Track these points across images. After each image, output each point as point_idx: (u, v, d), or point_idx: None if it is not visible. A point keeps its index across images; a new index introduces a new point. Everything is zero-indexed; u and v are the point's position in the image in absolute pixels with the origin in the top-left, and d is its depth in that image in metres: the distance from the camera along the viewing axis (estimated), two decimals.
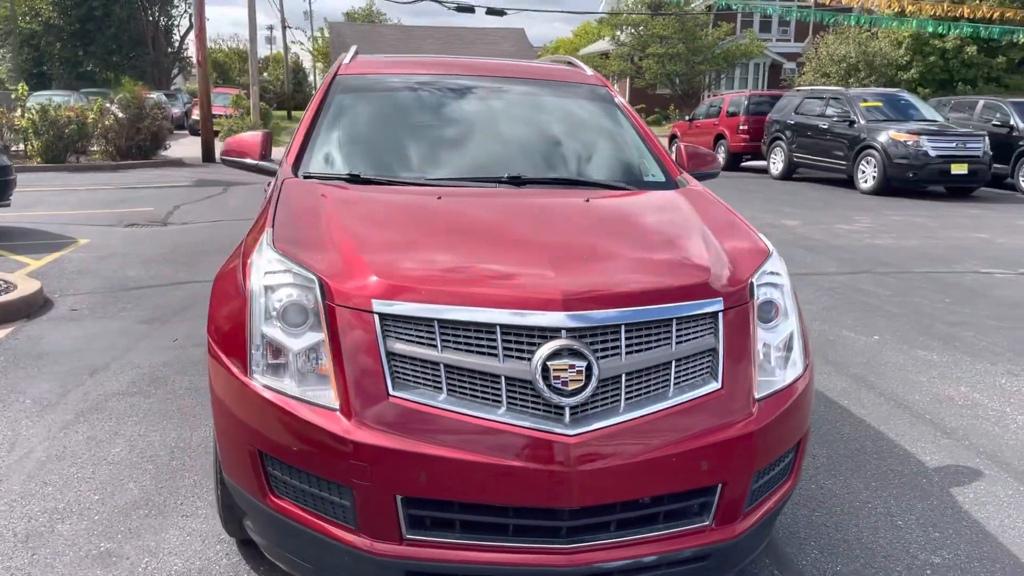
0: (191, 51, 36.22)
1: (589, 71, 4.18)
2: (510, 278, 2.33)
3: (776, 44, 38.96)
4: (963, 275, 7.81)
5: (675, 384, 2.27)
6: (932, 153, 13.69)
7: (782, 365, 2.49)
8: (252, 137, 3.50)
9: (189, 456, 3.55)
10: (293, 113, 45.64)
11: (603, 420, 2.15)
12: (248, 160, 3.46)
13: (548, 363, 2.13)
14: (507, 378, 2.16)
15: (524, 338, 2.18)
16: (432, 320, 2.20)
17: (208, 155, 18.94)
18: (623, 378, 2.21)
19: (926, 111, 15.59)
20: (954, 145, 13.82)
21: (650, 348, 2.26)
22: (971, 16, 28.27)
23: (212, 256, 7.84)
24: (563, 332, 2.18)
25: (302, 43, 65.08)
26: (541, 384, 2.12)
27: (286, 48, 52.67)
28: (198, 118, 29.07)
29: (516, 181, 3.21)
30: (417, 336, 2.20)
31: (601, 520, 2.18)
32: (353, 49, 4.03)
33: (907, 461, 3.68)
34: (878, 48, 31.14)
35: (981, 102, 16.51)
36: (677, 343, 2.29)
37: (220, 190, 13.54)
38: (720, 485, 2.27)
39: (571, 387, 2.13)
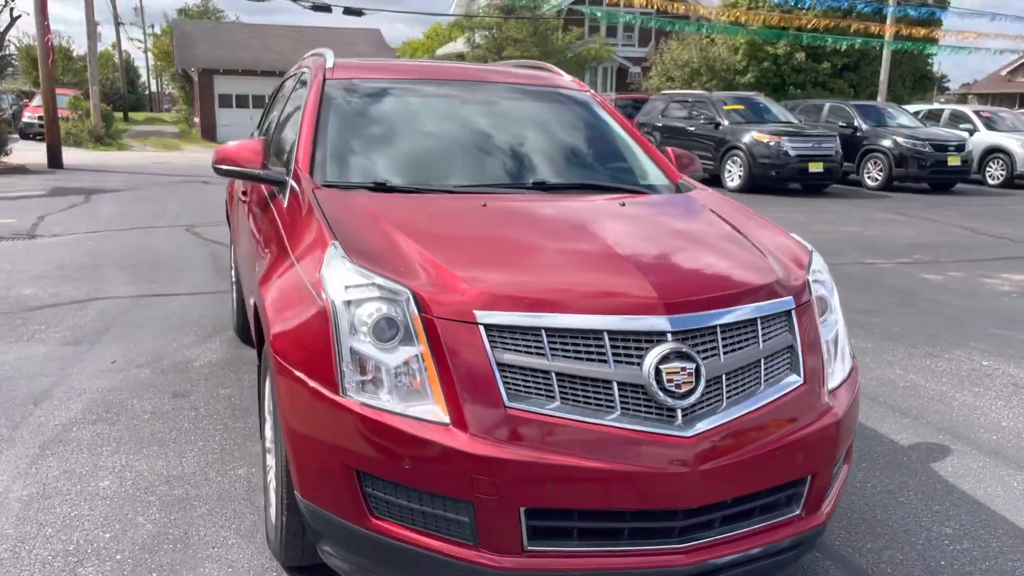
0: (11, 48, 33.37)
1: (567, 77, 4.23)
2: (606, 284, 2.35)
3: (623, 49, 40.35)
4: (850, 266, 8.43)
5: (765, 381, 2.37)
6: (792, 153, 14.67)
7: (838, 358, 2.64)
8: (251, 145, 3.32)
9: (191, 484, 3.35)
10: (130, 115, 43.08)
11: (711, 420, 2.22)
12: (250, 170, 3.29)
13: (660, 367, 2.17)
14: (619, 383, 2.18)
15: (631, 343, 2.21)
16: (539, 328, 2.20)
17: (55, 161, 17.59)
18: (723, 378, 2.28)
19: (781, 114, 16.67)
20: (810, 145, 14.86)
21: (742, 347, 2.35)
22: (798, 26, 30.45)
23: (109, 271, 7.35)
24: (668, 335, 2.23)
25: (138, 41, 61.49)
26: (655, 388, 2.17)
27: (120, 47, 49.67)
28: (29, 120, 27.11)
29: (541, 187, 3.23)
30: (525, 345, 2.19)
31: (710, 518, 2.25)
32: (330, 53, 3.90)
33: (881, 441, 3.96)
34: (717, 54, 32.90)
35: (827, 105, 17.81)
36: (764, 341, 2.40)
37: (82, 198, 12.65)
38: (810, 476, 2.38)
39: (683, 389, 2.19)
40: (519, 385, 2.17)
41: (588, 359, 2.19)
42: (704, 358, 2.25)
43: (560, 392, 2.17)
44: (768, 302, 2.44)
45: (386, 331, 2.25)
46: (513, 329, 2.20)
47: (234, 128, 29.64)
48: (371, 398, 2.21)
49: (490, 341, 2.18)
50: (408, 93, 3.70)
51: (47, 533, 2.95)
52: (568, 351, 2.20)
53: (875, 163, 16.34)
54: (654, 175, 3.60)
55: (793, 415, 2.35)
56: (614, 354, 2.20)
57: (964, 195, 16.11)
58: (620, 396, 2.18)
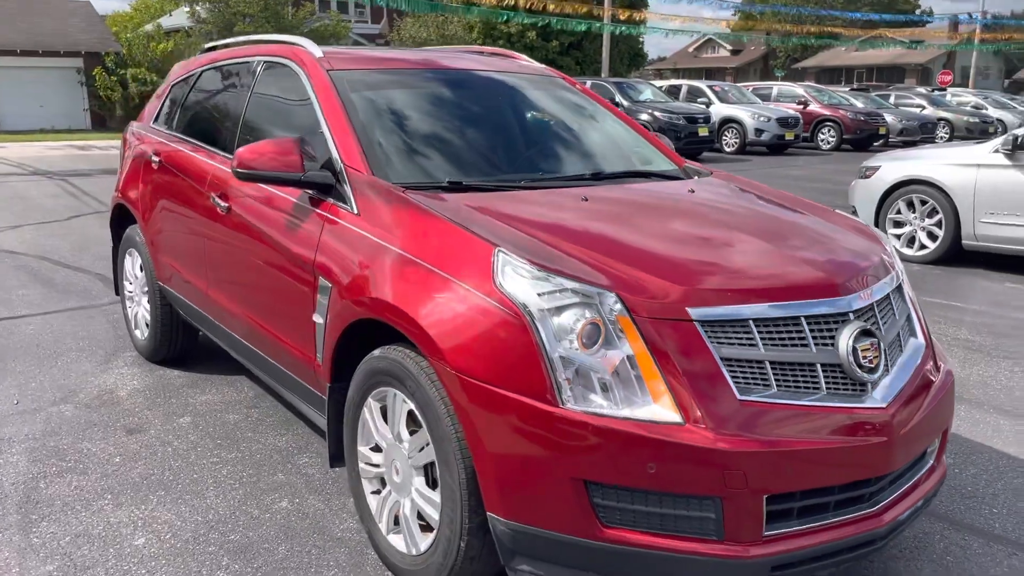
0: None
1: (536, 63, 4.22)
2: (784, 271, 2.46)
3: (356, 25, 39.78)
4: None
5: (903, 348, 2.61)
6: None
7: None
8: (287, 145, 2.99)
9: (241, 527, 3.00)
10: None
11: (891, 389, 2.42)
12: (291, 174, 2.96)
13: (855, 345, 2.33)
14: (821, 365, 2.31)
15: (823, 325, 2.35)
16: (746, 320, 2.27)
17: None
18: (886, 350, 2.49)
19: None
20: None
21: (888, 320, 2.58)
22: (527, 7, 31.87)
23: None
24: (850, 315, 2.39)
25: None
26: (853, 365, 2.32)
27: None
28: None
29: (598, 177, 3.24)
30: (737, 338, 2.26)
31: (891, 479, 2.45)
32: (311, 43, 3.58)
33: None
34: (454, 32, 33.48)
35: (589, 83, 18.96)
36: (897, 312, 2.64)
37: None
38: (944, 429, 2.67)
39: (874, 364, 2.36)
40: (741, 377, 2.22)
41: (792, 345, 2.30)
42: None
43: (775, 379, 2.26)
44: (889, 277, 2.69)
45: (591, 335, 2.20)
46: (725, 323, 2.25)
47: None
48: (591, 406, 2.16)
49: (709, 337, 2.22)
50: (418, 86, 3.51)
51: None
52: (774, 339, 2.29)
53: None
54: (664, 159, 3.72)
55: (931, 375, 2.62)
56: (813, 338, 2.32)
57: (710, 161, 17.88)
58: (824, 377, 2.31)
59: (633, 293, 2.25)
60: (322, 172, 3.01)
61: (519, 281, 2.28)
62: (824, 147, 21.06)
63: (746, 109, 19.51)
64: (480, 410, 2.26)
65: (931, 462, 2.67)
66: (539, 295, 2.24)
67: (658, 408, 2.16)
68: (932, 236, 7.72)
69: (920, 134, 22.57)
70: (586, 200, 2.88)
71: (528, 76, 3.94)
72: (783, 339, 2.30)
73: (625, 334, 2.21)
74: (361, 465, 2.82)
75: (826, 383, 2.31)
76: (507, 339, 2.24)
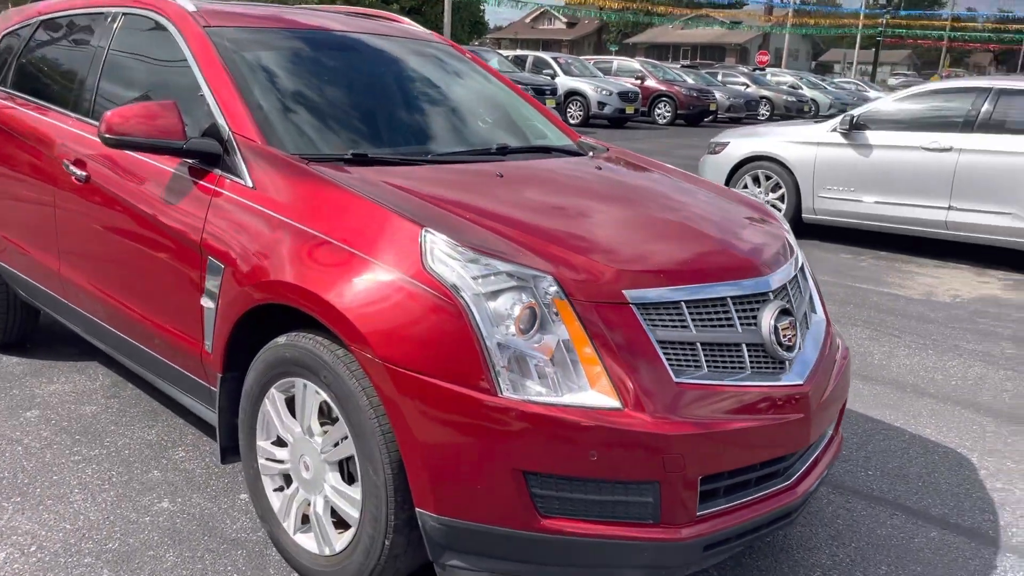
0: None
1: (421, 28, 4.03)
2: (708, 252, 2.45)
3: None
4: None
5: (809, 326, 2.68)
6: None
7: None
8: (163, 109, 2.68)
9: (130, 533, 2.72)
10: None
11: (804, 365, 2.47)
12: (170, 141, 2.66)
13: (776, 324, 2.37)
14: (747, 344, 2.33)
15: (746, 305, 2.37)
16: (679, 302, 2.25)
17: None
18: (798, 327, 2.55)
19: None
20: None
21: (798, 298, 2.64)
22: None
23: None
24: (770, 295, 2.43)
25: None
26: (774, 344, 2.36)
27: None
28: None
29: (503, 151, 3.13)
30: (671, 320, 2.24)
31: (802, 452, 2.52)
32: None
33: None
34: None
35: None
36: (803, 290, 2.71)
37: None
38: (844, 402, 2.78)
39: (793, 342, 2.41)
40: (675, 359, 2.20)
41: (720, 326, 2.30)
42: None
43: (706, 360, 2.26)
44: (795, 256, 2.75)
45: (528, 320, 2.12)
46: (659, 305, 2.23)
47: None
48: (529, 394, 2.08)
49: (645, 320, 2.18)
50: (305, 49, 3.25)
51: None
52: (704, 321, 2.29)
53: None
54: (559, 133, 3.65)
55: (833, 350, 2.71)
56: (739, 318, 2.34)
57: None
58: (749, 356, 2.33)
59: (569, 276, 2.17)
60: (207, 140, 2.73)
61: (450, 264, 2.15)
62: (660, 121, 21.82)
63: (589, 82, 19.86)
64: (410, 401, 2.12)
65: (831, 432, 2.78)
66: (473, 279, 2.12)
67: (596, 394, 2.10)
68: (775, 209, 8.14)
69: (745, 111, 23.84)
70: (501, 176, 2.77)
71: (420, 43, 3.75)
72: (712, 320, 2.30)
73: (561, 318, 2.14)
74: (261, 461, 2.61)
75: (751, 362, 2.34)
76: (439, 325, 2.11)
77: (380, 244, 2.25)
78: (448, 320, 2.10)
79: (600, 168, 3.16)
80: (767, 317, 2.36)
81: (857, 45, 52.47)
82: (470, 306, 2.09)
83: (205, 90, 2.85)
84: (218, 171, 2.71)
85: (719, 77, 26.67)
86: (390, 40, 3.61)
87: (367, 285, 2.21)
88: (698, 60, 49.32)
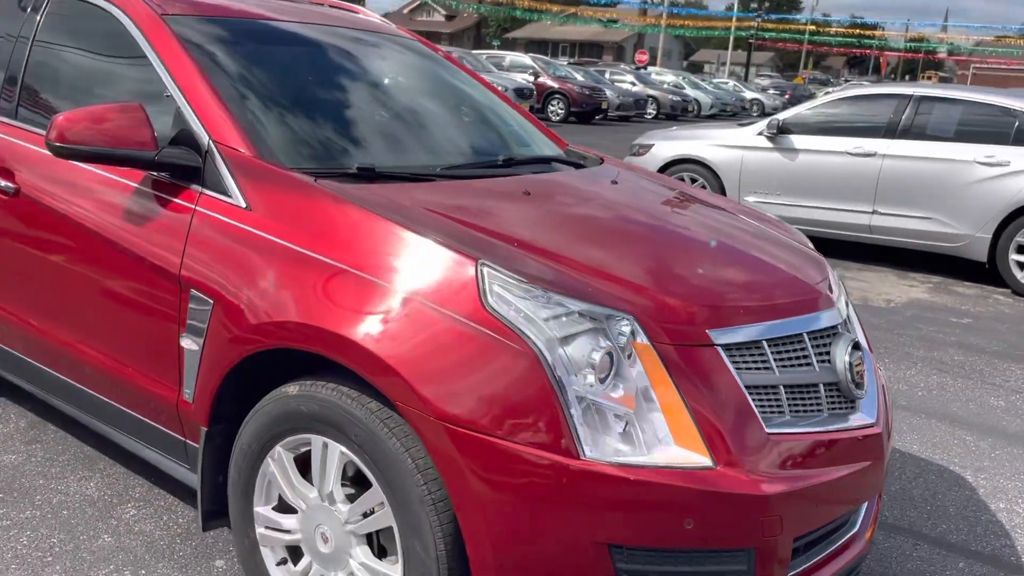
0: None
1: (381, 19, 3.65)
2: (775, 283, 2.24)
3: None
4: None
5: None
6: None
7: None
8: (128, 113, 2.23)
9: None
10: None
11: (871, 404, 2.29)
12: (140, 153, 2.22)
13: (850, 360, 2.17)
14: (823, 384, 2.13)
15: (820, 341, 2.17)
16: (760, 341, 2.02)
17: None
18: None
19: None
20: None
21: (853, 328, 2.46)
22: None
23: None
24: (838, 327, 2.23)
25: None
26: (850, 383, 2.16)
27: None
28: None
29: (509, 163, 2.82)
30: (755, 362, 2.01)
31: None
32: None
33: None
34: None
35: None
36: (854, 319, 2.53)
37: None
38: None
39: (863, 379, 2.22)
40: (761, 406, 1.97)
41: (799, 365, 2.09)
42: None
43: (789, 405, 2.03)
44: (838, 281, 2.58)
45: (606, 366, 1.83)
46: (742, 346, 1.99)
47: None
48: (613, 454, 1.80)
49: (732, 363, 1.94)
50: (279, 43, 2.83)
51: None
52: (784, 360, 2.07)
53: None
54: (546, 140, 3.37)
55: (882, 382, 2.54)
56: (816, 356, 2.13)
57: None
58: (826, 397, 2.12)
59: (649, 315, 1.90)
60: (183, 151, 2.30)
61: (514, 303, 1.84)
62: (554, 119, 21.80)
63: (485, 78, 19.60)
64: (473, 466, 1.79)
65: None
66: (544, 321, 1.82)
67: (682, 450, 1.84)
68: None
69: (634, 109, 24.16)
70: (528, 195, 2.46)
71: (399, 40, 3.37)
72: (791, 359, 2.08)
73: (643, 364, 1.86)
74: (260, 530, 2.22)
75: (829, 404, 2.13)
76: (508, 376, 1.80)
77: (424, 279, 1.91)
78: (519, 370, 1.79)
79: (616, 183, 2.90)
80: (841, 352, 2.16)
81: (730, 47, 54.41)
82: (544, 353, 1.79)
83: (173, 91, 2.41)
84: (196, 187, 2.28)
85: (607, 75, 26.92)
86: (367, 34, 3.23)
87: (412, 328, 1.87)
88: (578, 58, 49.89)
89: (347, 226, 2.05)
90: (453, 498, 1.83)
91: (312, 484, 2.09)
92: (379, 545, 2.04)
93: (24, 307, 2.74)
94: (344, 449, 1.99)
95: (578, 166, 3.08)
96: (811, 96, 41.24)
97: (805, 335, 2.12)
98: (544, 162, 3.03)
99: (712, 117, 27.49)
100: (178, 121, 2.38)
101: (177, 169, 2.29)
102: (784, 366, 2.05)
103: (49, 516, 2.75)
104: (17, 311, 2.77)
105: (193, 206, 2.26)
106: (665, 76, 31.34)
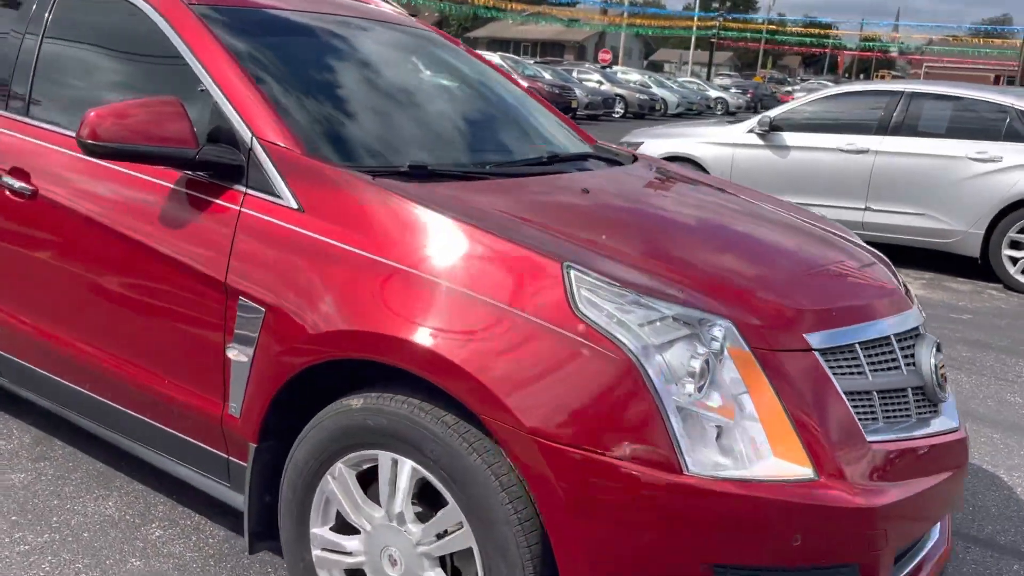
0: None
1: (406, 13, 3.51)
2: (857, 284, 2.16)
3: None
4: None
5: None
6: None
7: None
8: (166, 108, 2.07)
9: None
10: None
11: (951, 408, 2.21)
12: (180, 152, 2.06)
13: (935, 362, 2.09)
14: (911, 388, 2.04)
15: (905, 343, 2.09)
16: (854, 344, 1.93)
17: None
18: None
19: None
20: None
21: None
22: None
23: None
24: (919, 328, 2.15)
25: None
26: (935, 386, 2.08)
27: None
28: None
29: (554, 160, 2.71)
30: (847, 367, 1.92)
31: None
32: None
33: None
34: None
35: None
36: None
37: None
38: None
39: (945, 381, 2.15)
40: (858, 413, 1.88)
41: (889, 369, 2.00)
42: None
43: (881, 411, 1.95)
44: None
45: (703, 374, 1.73)
46: (836, 351, 1.90)
47: None
48: (715, 468, 1.70)
49: (831, 368, 1.85)
50: (310, 34, 2.68)
51: None
52: (875, 364, 1.98)
53: None
54: (575, 136, 3.25)
55: None
56: (903, 358, 2.04)
57: None
58: (914, 401, 2.04)
59: (745, 319, 1.80)
60: (225, 149, 2.15)
61: (606, 308, 1.73)
62: None
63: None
64: (568, 483, 1.68)
65: None
66: (639, 326, 1.71)
67: (782, 462, 1.75)
68: None
69: (603, 108, 24.14)
70: (587, 192, 2.35)
71: (424, 33, 3.24)
72: (881, 363, 1.99)
73: (739, 371, 1.76)
74: (316, 552, 2.07)
75: (917, 409, 2.05)
76: (604, 386, 1.69)
77: (506, 284, 1.79)
78: (614, 379, 1.69)
79: (663, 179, 2.80)
80: (926, 355, 2.08)
81: (692, 46, 54.85)
82: (641, 360, 1.68)
83: (209, 84, 2.25)
84: (239, 187, 2.13)
85: (574, 74, 26.90)
86: (397, 27, 3.10)
87: (496, 336, 1.75)
88: (540, 57, 49.91)
89: (415, 228, 1.92)
90: (544, 517, 1.72)
91: (377, 503, 1.96)
92: (453, 567, 1.92)
93: (40, 316, 2.56)
94: (416, 465, 1.86)
95: (614, 163, 2.97)
96: (772, 95, 41.70)
97: (892, 337, 2.04)
98: (581, 159, 2.92)
99: (679, 116, 27.62)
100: (214, 117, 2.22)
101: (218, 168, 2.14)
102: (876, 370, 1.96)
103: (70, 539, 2.57)
104: (32, 321, 2.59)
105: (238, 207, 2.11)
106: (631, 75, 31.43)
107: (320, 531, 2.06)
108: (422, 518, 1.91)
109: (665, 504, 1.66)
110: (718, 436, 1.71)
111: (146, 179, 2.27)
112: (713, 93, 34.32)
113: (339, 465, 1.97)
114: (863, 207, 7.15)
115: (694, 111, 29.88)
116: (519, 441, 1.70)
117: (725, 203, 2.67)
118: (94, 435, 2.85)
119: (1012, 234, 6.63)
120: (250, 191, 2.11)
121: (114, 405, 2.45)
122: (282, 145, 2.12)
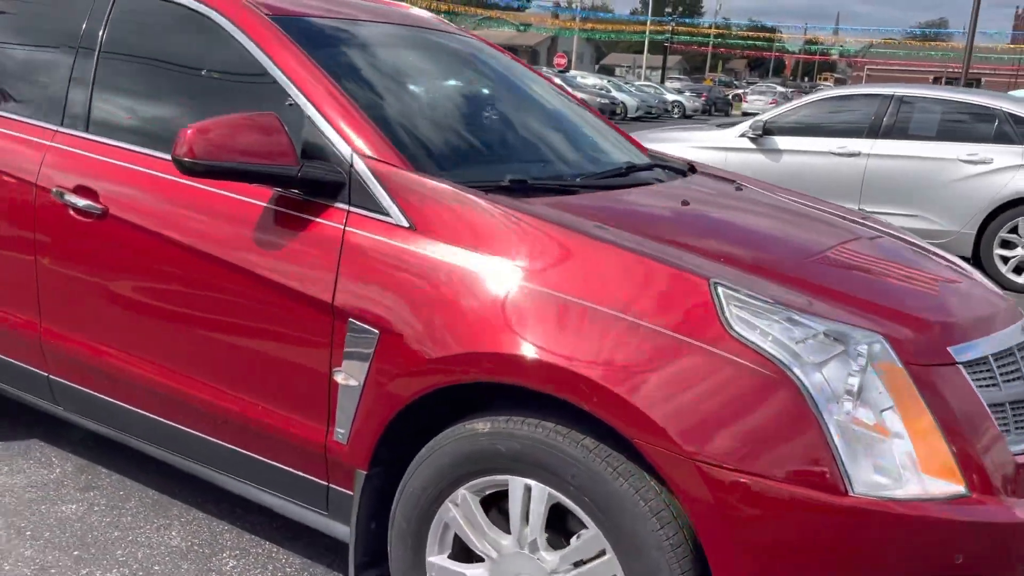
0: None
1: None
2: (973, 295, 2.16)
3: None
4: None
5: None
6: None
7: None
8: (265, 124, 1.98)
9: None
10: None
11: None
12: (282, 169, 1.98)
13: None
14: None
15: (1022, 354, 2.08)
16: (987, 357, 1.93)
17: None
18: None
19: None
20: None
21: None
22: None
23: None
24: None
25: None
26: None
27: None
28: None
29: (632, 169, 2.67)
30: (985, 378, 1.91)
31: None
32: None
33: None
34: None
35: None
36: None
37: None
38: None
39: None
40: (1000, 427, 1.87)
41: (1016, 379, 2.00)
42: None
43: (1014, 423, 1.94)
44: None
45: (860, 393, 1.70)
46: (975, 363, 1.89)
47: None
48: (875, 488, 1.67)
49: (975, 382, 1.83)
50: (388, 45, 2.60)
51: None
52: (1006, 375, 1.98)
53: None
54: (629, 145, 3.22)
55: None
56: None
57: None
58: None
59: (894, 334, 1.77)
60: (326, 165, 2.06)
61: (759, 326, 1.69)
62: None
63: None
64: (733, 509, 1.63)
65: None
66: (796, 344, 1.67)
67: (936, 479, 1.72)
68: None
69: None
70: (687, 204, 2.31)
71: (483, 45, 3.17)
72: (1009, 374, 1.99)
73: (889, 386, 1.73)
74: None
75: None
76: (763, 407, 1.65)
77: (647, 302, 1.74)
78: (775, 398, 1.65)
79: (740, 189, 2.77)
80: None
81: (645, 50, 55.40)
82: (802, 379, 1.64)
83: (299, 99, 2.15)
84: (341, 205, 2.05)
85: None
86: (460, 35, 3.03)
87: (642, 357, 1.70)
88: None
89: (545, 246, 1.86)
90: (705, 544, 1.67)
91: (502, 529, 1.89)
92: None
93: (108, 339, 2.44)
94: (553, 491, 1.80)
95: (677, 171, 2.94)
96: (724, 98, 42.22)
97: (1015, 348, 2.04)
98: (648, 168, 2.89)
99: (638, 119, 27.84)
100: (305, 132, 2.13)
101: (319, 186, 2.05)
102: (1007, 381, 1.95)
103: (141, 574, 2.45)
104: (101, 345, 2.46)
105: (342, 226, 2.02)
106: (588, 79, 31.59)
107: (437, 559, 1.98)
108: (553, 544, 1.85)
109: (832, 526, 1.63)
110: (878, 456, 1.68)
111: (232, 196, 2.17)
112: (670, 97, 34.68)
113: (462, 491, 1.90)
114: (856, 209, 7.23)
115: (653, 114, 30.14)
116: (677, 465, 1.65)
117: (820, 216, 2.65)
118: (140, 462, 2.74)
119: (1003, 234, 6.77)
120: (353, 208, 2.03)
121: (191, 431, 2.34)
122: (384, 161, 2.04)
